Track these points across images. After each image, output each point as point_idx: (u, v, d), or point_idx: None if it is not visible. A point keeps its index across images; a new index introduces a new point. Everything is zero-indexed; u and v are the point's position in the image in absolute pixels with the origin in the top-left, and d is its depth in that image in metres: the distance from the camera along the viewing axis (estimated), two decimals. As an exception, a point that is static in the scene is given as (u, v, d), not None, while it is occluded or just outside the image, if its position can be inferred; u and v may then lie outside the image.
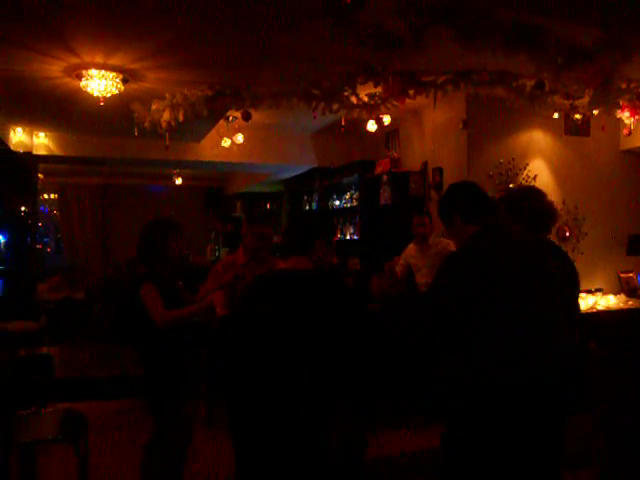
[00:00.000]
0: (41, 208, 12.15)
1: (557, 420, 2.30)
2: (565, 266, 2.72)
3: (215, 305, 3.41)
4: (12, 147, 7.36)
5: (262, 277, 2.57)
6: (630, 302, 6.16)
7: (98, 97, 5.04)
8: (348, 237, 7.97)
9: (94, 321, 7.22)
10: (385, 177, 6.79)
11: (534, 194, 2.93)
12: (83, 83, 4.96)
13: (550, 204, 2.94)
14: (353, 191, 7.84)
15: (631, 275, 6.59)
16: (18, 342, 3.61)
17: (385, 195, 6.70)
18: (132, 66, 4.85)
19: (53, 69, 4.93)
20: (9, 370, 2.80)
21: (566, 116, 6.03)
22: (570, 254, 6.27)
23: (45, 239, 12.79)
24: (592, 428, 4.14)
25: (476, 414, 2.21)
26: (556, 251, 2.90)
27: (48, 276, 9.67)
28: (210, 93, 4.94)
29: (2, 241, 7.60)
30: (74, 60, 4.72)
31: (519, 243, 2.43)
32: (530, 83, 4.94)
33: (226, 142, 7.19)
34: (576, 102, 5.32)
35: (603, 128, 5.70)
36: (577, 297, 2.53)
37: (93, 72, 4.88)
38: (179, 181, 11.56)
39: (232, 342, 2.43)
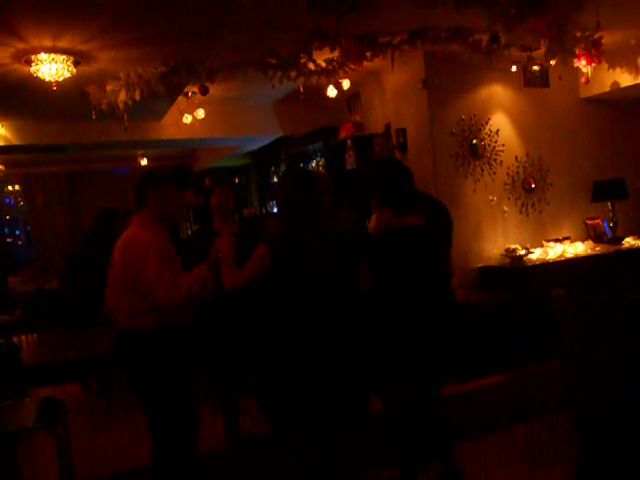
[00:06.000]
0: (7, 200, 11.93)
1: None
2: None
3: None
4: (-32, 140, 7.19)
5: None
6: (597, 248, 6.29)
7: (51, 82, 4.93)
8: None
9: (67, 309, 7.15)
10: (349, 142, 6.77)
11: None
12: (33, 68, 4.83)
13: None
14: (319, 158, 7.81)
15: (597, 221, 6.71)
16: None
17: (350, 160, 6.69)
18: (82, 47, 4.74)
19: (0, 56, 4.80)
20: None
21: (524, 68, 6.03)
22: (537, 205, 6.44)
23: (16, 232, 12.59)
24: (563, 374, 4.25)
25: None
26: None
27: (21, 269, 9.52)
28: (165, 69, 4.85)
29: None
30: (21, 45, 4.59)
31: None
32: (486, 38, 4.92)
33: (187, 118, 7.09)
34: (533, 53, 5.32)
35: (560, 78, 5.73)
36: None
37: (43, 56, 4.75)
38: (144, 162, 11.37)
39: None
